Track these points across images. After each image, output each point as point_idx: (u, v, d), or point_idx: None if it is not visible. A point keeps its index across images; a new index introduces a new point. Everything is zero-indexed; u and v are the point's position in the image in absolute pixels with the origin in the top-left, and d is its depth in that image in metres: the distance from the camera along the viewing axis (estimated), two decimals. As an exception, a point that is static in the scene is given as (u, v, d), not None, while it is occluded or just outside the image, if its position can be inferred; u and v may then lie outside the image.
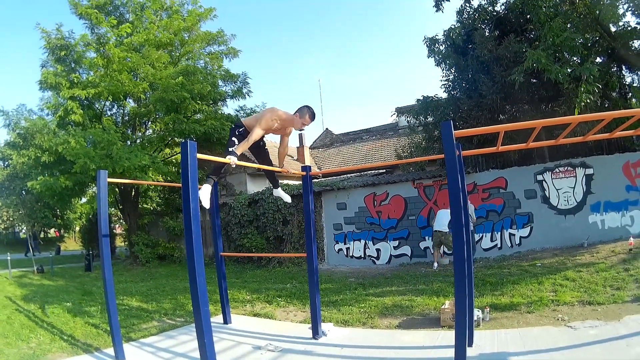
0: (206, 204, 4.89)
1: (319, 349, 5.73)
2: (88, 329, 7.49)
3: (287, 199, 6.26)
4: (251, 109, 18.75)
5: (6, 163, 26.55)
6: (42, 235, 34.38)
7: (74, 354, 6.08)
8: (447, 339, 5.56)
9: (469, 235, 10.42)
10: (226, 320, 7.44)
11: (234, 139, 5.24)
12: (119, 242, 26.67)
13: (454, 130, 3.96)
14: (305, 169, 6.32)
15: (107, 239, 5.73)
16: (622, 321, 5.52)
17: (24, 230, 30.58)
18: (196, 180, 3.91)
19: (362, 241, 13.73)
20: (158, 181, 16.99)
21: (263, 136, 5.43)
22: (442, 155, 4.19)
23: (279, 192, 6.24)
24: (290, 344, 6.04)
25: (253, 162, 6.23)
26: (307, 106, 5.33)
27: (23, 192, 24.62)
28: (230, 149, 4.85)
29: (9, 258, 15.95)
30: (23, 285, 13.44)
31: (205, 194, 4.86)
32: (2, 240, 32.96)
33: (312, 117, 5.32)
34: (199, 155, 4.00)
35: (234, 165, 4.62)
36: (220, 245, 7.54)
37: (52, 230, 33.47)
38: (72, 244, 36.00)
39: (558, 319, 5.99)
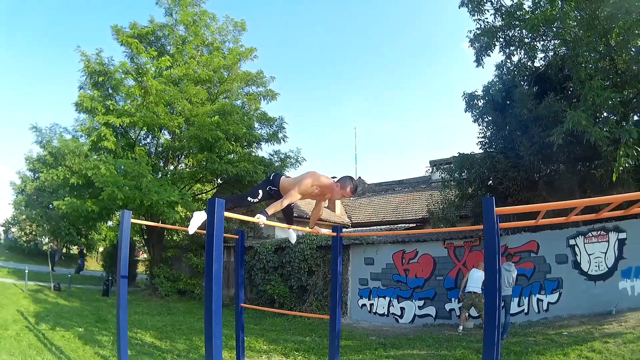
0: (191, 230, 4.62)
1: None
2: (97, 360, 7.34)
3: (293, 239, 5.90)
4: (285, 153, 18.83)
5: (36, 175, 27.13)
6: (64, 251, 34.74)
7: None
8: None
9: (507, 306, 10.11)
10: (240, 371, 7.19)
11: (260, 191, 5.08)
12: (141, 269, 26.68)
13: (495, 204, 3.77)
14: (336, 229, 6.06)
15: (125, 280, 5.64)
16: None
17: (45, 241, 30.97)
18: (221, 241, 3.77)
19: (387, 298, 13.40)
20: (186, 216, 16.89)
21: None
22: (480, 227, 4.00)
23: (289, 231, 5.81)
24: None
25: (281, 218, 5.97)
26: (350, 177, 5.01)
27: (50, 206, 24.99)
28: (262, 211, 4.52)
29: (26, 270, 16.04)
30: (38, 301, 13.46)
31: (196, 222, 4.60)
32: (23, 251, 33.39)
33: (354, 190, 4.98)
34: (227, 214, 3.88)
35: (262, 225, 4.41)
36: (241, 295, 7.37)
37: (75, 247, 33.72)
38: (93, 264, 36.21)
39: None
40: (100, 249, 36.15)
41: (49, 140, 16.46)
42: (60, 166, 15.96)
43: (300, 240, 14.66)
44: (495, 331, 3.80)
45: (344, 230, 14.67)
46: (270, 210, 4.56)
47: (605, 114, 11.03)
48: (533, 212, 4.65)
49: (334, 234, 5.97)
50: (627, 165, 10.05)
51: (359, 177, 28.32)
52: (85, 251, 35.49)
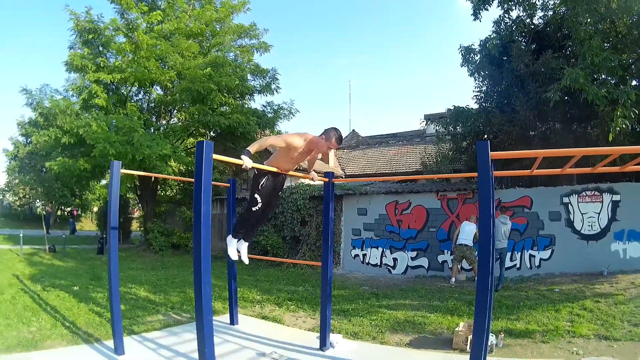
0: (234, 256, 5.25)
1: (324, 362, 5.48)
2: (91, 317, 7.40)
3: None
4: (278, 105, 18.78)
5: (28, 140, 26.88)
6: (59, 213, 34.73)
7: (73, 343, 5.96)
8: (458, 364, 5.31)
9: (503, 258, 10.19)
10: (233, 321, 7.25)
11: (255, 195, 5.07)
12: (135, 227, 26.73)
13: (490, 149, 3.67)
14: (328, 175, 5.99)
15: (115, 231, 5.56)
16: (637, 363, 5.20)
17: (40, 206, 30.94)
18: (209, 182, 3.68)
19: (380, 249, 13.45)
20: (179, 170, 16.85)
21: (284, 171, 5.19)
22: (474, 174, 3.93)
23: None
24: (296, 353, 5.82)
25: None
26: (334, 128, 4.99)
27: (43, 170, 24.84)
28: (245, 150, 4.46)
29: (21, 235, 16.08)
30: (33, 264, 13.52)
31: (233, 250, 5.23)
32: (18, 216, 33.35)
33: (339, 140, 4.98)
34: (215, 156, 3.78)
35: (248, 168, 4.31)
36: (233, 245, 7.34)
37: (69, 209, 33.71)
38: (88, 224, 36.33)
39: (572, 353, 5.71)
40: (95, 209, 36.16)
41: (39, 101, 16.11)
42: (52, 127, 15.69)
43: (294, 190, 14.71)
44: (489, 277, 3.78)
45: (338, 181, 14.66)
46: (253, 147, 4.48)
47: (603, 75, 10.86)
48: (527, 165, 4.59)
49: (326, 179, 5.90)
50: (624, 126, 9.96)
51: (353, 130, 28.24)
52: (80, 212, 35.55)
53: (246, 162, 4.25)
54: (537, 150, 4.07)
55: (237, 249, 5.31)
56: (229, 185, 7.32)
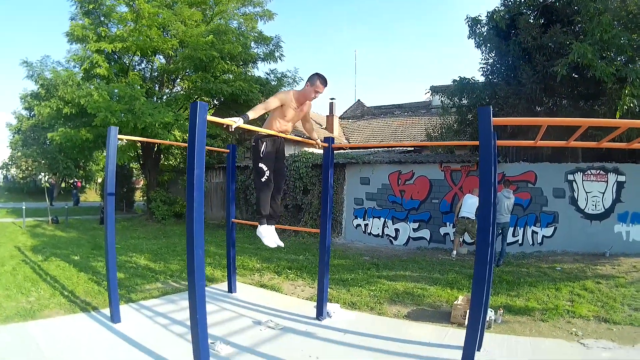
0: (273, 243, 5.22)
1: (320, 332, 5.48)
2: (90, 285, 7.41)
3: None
4: (282, 73, 18.54)
5: (32, 113, 26.74)
6: (63, 185, 34.79)
7: (71, 312, 5.97)
8: (455, 337, 5.28)
9: (505, 233, 10.12)
10: (231, 289, 7.26)
11: (260, 164, 5.00)
12: (138, 197, 26.79)
13: (492, 117, 3.56)
14: (328, 140, 5.83)
15: (112, 197, 5.50)
16: (637, 347, 5.16)
17: (45, 179, 31.05)
18: (203, 145, 3.58)
19: (382, 219, 13.36)
20: (183, 140, 16.75)
21: (283, 131, 5.06)
22: (476, 142, 3.82)
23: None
24: (292, 322, 5.81)
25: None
26: (316, 73, 4.92)
27: (47, 142, 24.76)
28: (243, 115, 4.31)
29: (23, 207, 16.12)
30: (35, 235, 13.53)
31: (268, 235, 5.20)
32: (22, 189, 33.40)
33: (324, 82, 4.90)
34: (209, 117, 3.67)
35: (236, 125, 4.09)
36: (232, 211, 7.29)
37: (72, 180, 33.72)
38: (92, 196, 36.39)
39: (572, 333, 5.64)
40: (99, 180, 36.19)
41: (40, 73, 15.94)
42: (53, 98, 15.57)
43: (296, 158, 14.56)
44: (488, 250, 3.70)
45: (341, 151, 14.58)
46: (251, 113, 4.35)
47: (612, 54, 10.62)
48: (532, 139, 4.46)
49: (326, 145, 5.76)
50: (631, 105, 9.82)
51: (358, 100, 28.09)
52: (84, 183, 35.58)
53: (237, 121, 4.11)
54: (542, 118, 3.96)
55: (268, 234, 5.24)
56: (228, 151, 7.20)
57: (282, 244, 5.33)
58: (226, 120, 3.98)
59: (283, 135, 5.07)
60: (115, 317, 5.47)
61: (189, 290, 3.69)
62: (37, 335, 5.00)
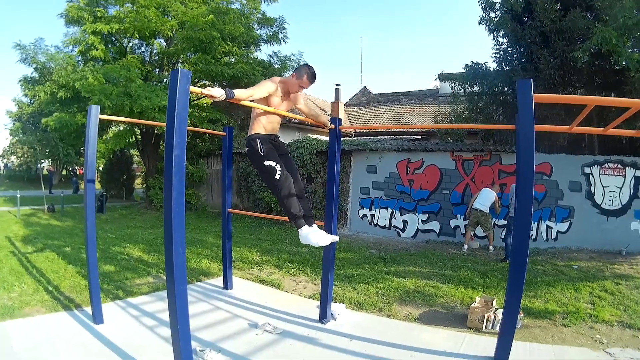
0: (326, 242, 4.33)
1: (323, 338, 4.92)
2: (77, 280, 6.93)
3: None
4: (286, 55, 18.02)
5: (32, 100, 26.31)
6: (64, 172, 34.40)
7: (52, 310, 5.50)
8: (472, 345, 4.77)
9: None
10: (227, 285, 6.74)
11: (265, 162, 4.32)
12: (138, 184, 26.33)
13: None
14: (335, 121, 5.26)
15: (92, 184, 4.96)
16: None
17: (42, 165, 30.61)
18: (185, 120, 3.02)
19: (389, 210, 12.74)
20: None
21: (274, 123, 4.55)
22: (511, 126, 3.28)
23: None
24: (292, 325, 5.28)
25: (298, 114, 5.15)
26: (306, 65, 4.38)
27: (46, 129, 24.36)
28: (229, 90, 3.71)
29: (18, 195, 15.76)
30: (29, 224, 13.13)
31: (314, 235, 4.30)
32: (22, 177, 33.02)
33: (311, 78, 4.32)
34: (192, 88, 3.07)
35: (219, 98, 3.45)
36: (229, 200, 6.71)
37: (72, 168, 33.35)
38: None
39: (596, 340, 5.11)
40: (101, 167, 35.84)
41: (33, 56, 15.43)
42: (48, 81, 15.07)
43: (300, 144, 13.97)
44: (526, 253, 3.20)
45: (347, 138, 13.96)
46: (239, 92, 3.80)
47: (635, 41, 10.02)
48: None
49: (332, 126, 5.19)
50: (657, 95, 9.26)
51: (364, 87, 27.56)
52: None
53: (220, 95, 3.46)
54: (589, 96, 3.40)
55: (315, 234, 4.36)
56: (224, 134, 6.62)
57: (337, 238, 4.66)
58: (209, 91, 3.33)
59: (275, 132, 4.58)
60: (97, 319, 4.97)
61: (168, 299, 3.14)
62: (13, 337, 4.56)
